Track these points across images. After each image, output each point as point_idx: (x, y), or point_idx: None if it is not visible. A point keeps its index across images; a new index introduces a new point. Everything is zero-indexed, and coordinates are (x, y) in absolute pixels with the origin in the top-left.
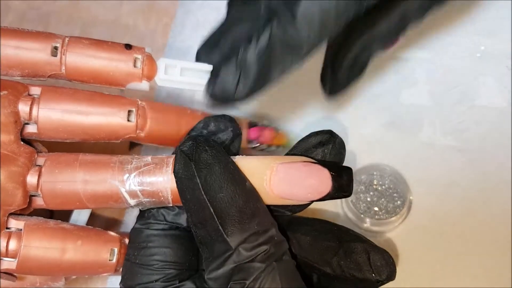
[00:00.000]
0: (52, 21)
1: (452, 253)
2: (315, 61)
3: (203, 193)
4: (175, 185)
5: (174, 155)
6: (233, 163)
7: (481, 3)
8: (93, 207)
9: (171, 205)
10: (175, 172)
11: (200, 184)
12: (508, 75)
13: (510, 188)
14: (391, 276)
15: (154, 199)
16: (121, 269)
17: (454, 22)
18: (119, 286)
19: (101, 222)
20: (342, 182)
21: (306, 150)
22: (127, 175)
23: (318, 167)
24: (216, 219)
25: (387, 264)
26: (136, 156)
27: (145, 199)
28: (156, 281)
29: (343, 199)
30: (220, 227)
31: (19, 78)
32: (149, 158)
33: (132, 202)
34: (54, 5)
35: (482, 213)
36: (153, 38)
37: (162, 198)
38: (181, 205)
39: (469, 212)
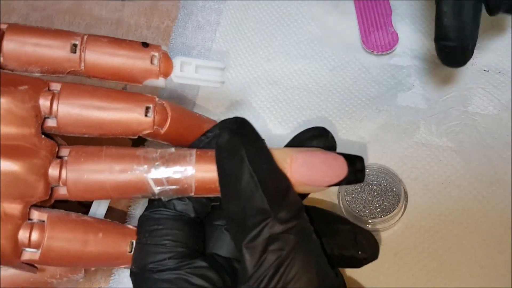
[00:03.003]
0: (55, 22)
1: (448, 252)
2: (314, 64)
3: (248, 164)
4: (199, 174)
5: (195, 149)
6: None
7: None
8: (116, 196)
9: (193, 194)
10: (218, 144)
11: (246, 156)
12: (498, 87)
13: (506, 188)
14: (374, 253)
15: (178, 187)
16: None
17: None
18: (121, 286)
19: (116, 216)
20: (356, 168)
21: (302, 141)
22: (153, 163)
23: (334, 155)
24: (260, 188)
25: (371, 243)
26: (159, 148)
27: (170, 187)
28: (169, 258)
29: (340, 199)
30: (263, 196)
31: (38, 74)
32: (172, 149)
33: (157, 189)
34: (57, 7)
35: (478, 212)
36: (155, 40)
37: (186, 186)
38: (202, 195)
39: (465, 212)
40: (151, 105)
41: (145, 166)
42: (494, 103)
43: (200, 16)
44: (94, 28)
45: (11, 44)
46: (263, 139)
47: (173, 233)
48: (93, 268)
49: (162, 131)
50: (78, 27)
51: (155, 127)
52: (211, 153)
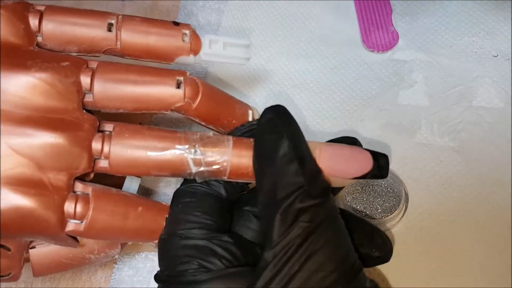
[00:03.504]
0: None
1: (449, 253)
2: (315, 63)
3: (288, 141)
4: (235, 159)
5: (231, 136)
6: None
7: (479, 3)
8: (155, 173)
9: (226, 177)
10: (260, 122)
11: (286, 133)
12: (506, 76)
13: (506, 188)
14: (388, 254)
15: (214, 169)
16: None
17: (452, 23)
18: (122, 286)
19: (145, 193)
20: (381, 164)
21: None
22: (193, 144)
23: (361, 149)
24: (296, 162)
25: (385, 244)
26: (198, 131)
27: (206, 169)
28: (198, 228)
29: (340, 200)
30: (299, 169)
31: (75, 53)
32: (211, 133)
33: (194, 169)
34: None
35: (479, 213)
36: None
37: (221, 169)
38: (234, 179)
39: (466, 212)
40: (182, 78)
41: (186, 146)
42: (501, 95)
43: (200, 16)
44: None
45: (50, 24)
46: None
47: (205, 206)
48: (129, 243)
49: (194, 105)
50: None
51: (186, 99)
52: (246, 140)
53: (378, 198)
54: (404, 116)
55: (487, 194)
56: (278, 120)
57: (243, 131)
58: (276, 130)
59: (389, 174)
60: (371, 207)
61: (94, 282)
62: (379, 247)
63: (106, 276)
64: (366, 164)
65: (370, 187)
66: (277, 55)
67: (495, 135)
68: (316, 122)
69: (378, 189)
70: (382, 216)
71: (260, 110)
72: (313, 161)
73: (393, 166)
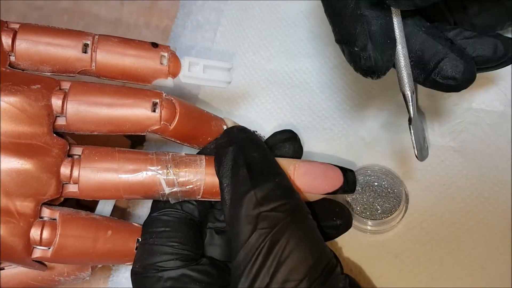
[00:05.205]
0: (53, 21)
1: (449, 253)
2: (315, 63)
3: (237, 147)
4: (208, 178)
5: (204, 155)
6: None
7: None
8: (126, 196)
9: (200, 197)
10: (217, 143)
11: (236, 145)
12: (506, 79)
13: (507, 189)
14: (348, 219)
15: (187, 189)
16: None
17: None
18: (119, 287)
19: (117, 215)
20: (350, 179)
21: (276, 144)
22: (165, 165)
23: (332, 166)
24: (245, 166)
25: (343, 210)
26: (170, 152)
27: (180, 189)
28: (175, 259)
29: (341, 200)
30: (247, 173)
31: (49, 74)
32: (183, 153)
33: (167, 190)
34: (56, 6)
35: (479, 213)
36: (154, 39)
37: (195, 188)
38: (208, 198)
39: (466, 213)
40: (158, 100)
41: (158, 167)
42: (501, 98)
43: (199, 16)
44: (93, 28)
45: (23, 44)
46: (261, 141)
47: (180, 235)
48: (100, 265)
49: (171, 127)
50: (77, 26)
51: (162, 122)
52: None
53: (378, 199)
54: (405, 116)
55: (487, 195)
56: (231, 131)
57: (212, 148)
58: (228, 140)
59: (390, 175)
60: (371, 207)
61: (92, 284)
62: (339, 214)
63: (104, 278)
64: (337, 180)
65: (370, 188)
66: (277, 54)
67: (496, 136)
68: (316, 122)
69: (378, 190)
70: (382, 217)
71: (260, 110)
72: (268, 166)
73: (393, 167)
